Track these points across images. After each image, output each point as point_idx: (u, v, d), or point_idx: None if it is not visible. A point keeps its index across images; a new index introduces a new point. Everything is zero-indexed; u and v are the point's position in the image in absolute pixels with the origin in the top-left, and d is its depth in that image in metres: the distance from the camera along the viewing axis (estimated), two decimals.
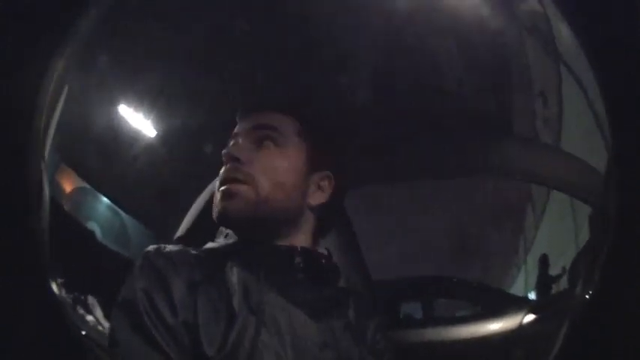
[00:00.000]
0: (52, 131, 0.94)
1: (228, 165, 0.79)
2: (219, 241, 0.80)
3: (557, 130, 0.94)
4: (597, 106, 0.96)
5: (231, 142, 0.82)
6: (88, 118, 0.90)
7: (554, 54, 0.98)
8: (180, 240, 0.83)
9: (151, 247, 0.75)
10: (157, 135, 0.86)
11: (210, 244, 0.80)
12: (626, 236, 0.97)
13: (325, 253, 0.81)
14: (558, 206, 0.93)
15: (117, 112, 0.87)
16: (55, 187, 0.93)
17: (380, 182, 0.86)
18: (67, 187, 0.91)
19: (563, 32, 0.98)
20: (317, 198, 0.81)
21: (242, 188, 0.77)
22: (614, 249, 0.95)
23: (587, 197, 0.94)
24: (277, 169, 0.79)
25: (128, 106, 0.87)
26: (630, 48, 1.02)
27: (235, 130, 0.83)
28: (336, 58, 0.86)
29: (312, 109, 0.83)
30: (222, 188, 0.78)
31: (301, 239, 0.80)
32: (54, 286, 0.94)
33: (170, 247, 0.75)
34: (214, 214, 0.79)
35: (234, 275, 0.74)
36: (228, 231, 0.79)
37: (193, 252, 0.77)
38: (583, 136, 0.97)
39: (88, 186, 0.90)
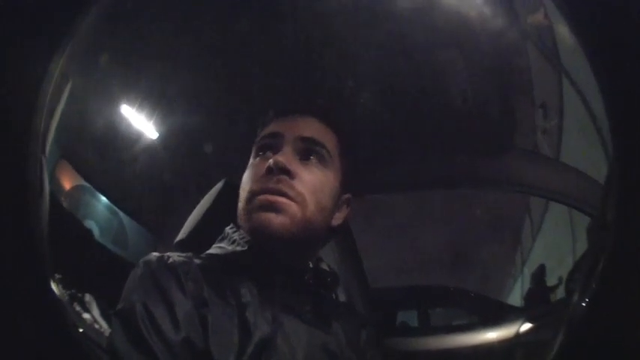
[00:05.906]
0: (53, 126, 0.93)
1: (276, 176, 0.74)
2: (225, 247, 0.76)
3: (557, 142, 0.94)
4: (599, 115, 0.96)
5: (270, 143, 0.78)
6: (90, 115, 0.89)
7: (557, 64, 0.97)
8: (181, 243, 0.81)
9: (153, 256, 0.72)
10: (158, 136, 0.85)
11: (215, 250, 0.77)
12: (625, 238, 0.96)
13: (329, 269, 0.80)
14: (556, 217, 0.93)
15: (119, 112, 0.87)
16: (55, 183, 0.93)
17: (379, 194, 0.86)
18: (67, 183, 0.91)
19: (567, 41, 0.98)
20: (337, 219, 0.80)
21: (290, 205, 0.73)
22: (613, 253, 0.95)
23: (586, 208, 0.94)
24: (323, 191, 0.77)
25: (130, 106, 0.86)
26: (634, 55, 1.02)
27: (273, 128, 0.80)
28: (342, 69, 0.85)
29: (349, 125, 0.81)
30: (269, 198, 0.73)
31: (312, 255, 0.79)
32: (52, 284, 0.94)
33: (174, 258, 0.72)
34: (249, 223, 0.74)
35: (248, 288, 0.72)
36: (235, 236, 0.76)
37: (199, 261, 0.73)
38: (584, 146, 0.96)
39: (87, 184, 0.89)
